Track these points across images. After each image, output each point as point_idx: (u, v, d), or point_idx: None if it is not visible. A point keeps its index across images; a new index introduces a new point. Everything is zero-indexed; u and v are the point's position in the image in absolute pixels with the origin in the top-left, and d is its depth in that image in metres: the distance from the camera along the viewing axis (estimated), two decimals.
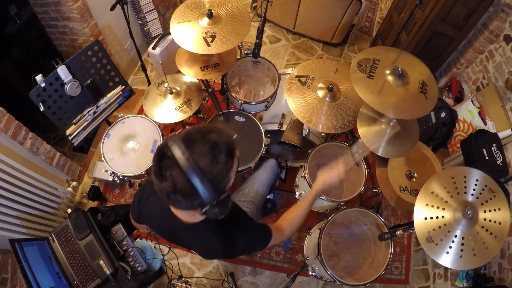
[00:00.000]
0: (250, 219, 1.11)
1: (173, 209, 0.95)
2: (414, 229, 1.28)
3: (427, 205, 1.19)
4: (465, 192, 1.20)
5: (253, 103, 1.86)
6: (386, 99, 1.40)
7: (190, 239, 1.05)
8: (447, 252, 1.12)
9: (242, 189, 1.67)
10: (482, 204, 1.18)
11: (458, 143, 2.30)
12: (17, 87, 2.70)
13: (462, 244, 1.12)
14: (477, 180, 1.21)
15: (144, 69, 2.36)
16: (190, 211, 0.87)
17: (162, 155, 0.77)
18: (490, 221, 1.16)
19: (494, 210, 1.17)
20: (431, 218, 1.16)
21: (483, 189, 1.20)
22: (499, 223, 1.16)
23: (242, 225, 1.06)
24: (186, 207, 0.81)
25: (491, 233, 1.14)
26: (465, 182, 1.21)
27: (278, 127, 1.92)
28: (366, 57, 1.49)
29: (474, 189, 1.20)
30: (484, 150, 1.95)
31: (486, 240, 1.14)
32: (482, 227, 1.15)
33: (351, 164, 1.28)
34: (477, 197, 1.19)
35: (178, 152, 0.74)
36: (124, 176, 1.91)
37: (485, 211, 1.17)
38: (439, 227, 1.14)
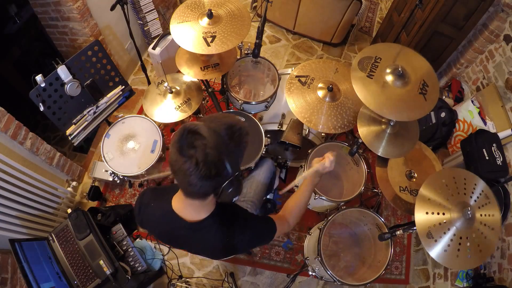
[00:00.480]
0: (251, 215, 1.12)
1: (180, 205, 0.98)
2: (414, 229, 1.28)
3: (429, 199, 1.19)
4: (465, 194, 1.21)
5: (253, 103, 1.86)
6: (384, 100, 1.39)
7: (193, 239, 1.06)
8: (445, 250, 1.12)
9: None
10: (479, 207, 1.19)
11: (458, 143, 2.30)
12: (17, 87, 2.69)
13: (460, 244, 1.13)
14: (475, 184, 1.23)
15: (144, 69, 2.36)
16: (203, 200, 0.92)
17: (189, 131, 0.81)
18: (485, 225, 1.17)
19: (489, 215, 1.19)
20: (432, 213, 1.17)
21: (480, 194, 1.22)
22: (492, 229, 1.18)
23: (245, 221, 1.07)
24: (206, 186, 0.84)
25: (485, 237, 1.16)
26: (465, 184, 1.23)
27: (278, 127, 1.92)
28: (368, 55, 1.47)
29: (473, 192, 1.21)
30: (484, 150, 1.95)
31: (481, 243, 1.15)
32: (478, 229, 1.16)
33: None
34: (475, 200, 1.20)
35: (206, 130, 0.81)
36: (124, 176, 1.91)
37: (481, 215, 1.18)
38: (439, 223, 1.15)
